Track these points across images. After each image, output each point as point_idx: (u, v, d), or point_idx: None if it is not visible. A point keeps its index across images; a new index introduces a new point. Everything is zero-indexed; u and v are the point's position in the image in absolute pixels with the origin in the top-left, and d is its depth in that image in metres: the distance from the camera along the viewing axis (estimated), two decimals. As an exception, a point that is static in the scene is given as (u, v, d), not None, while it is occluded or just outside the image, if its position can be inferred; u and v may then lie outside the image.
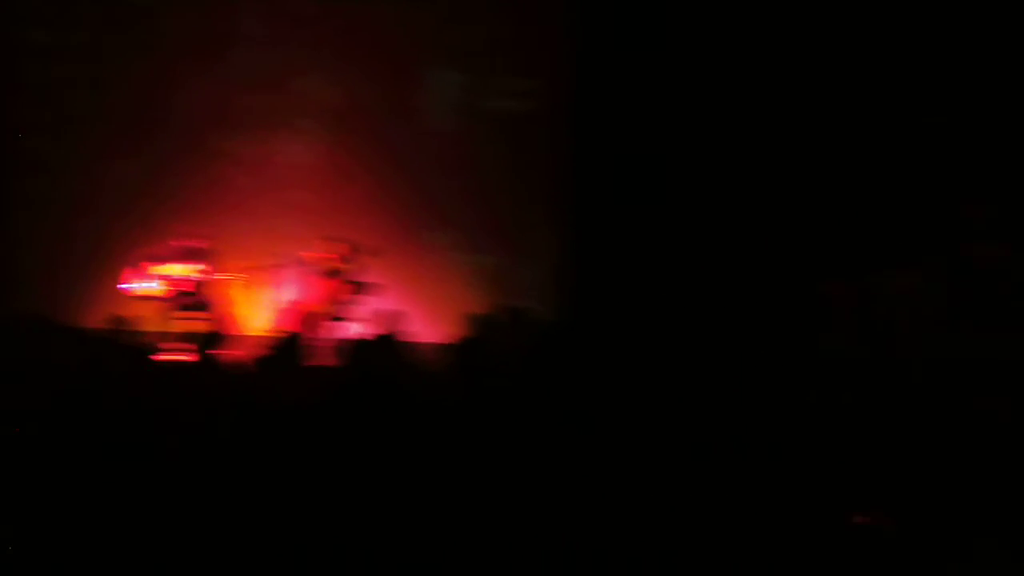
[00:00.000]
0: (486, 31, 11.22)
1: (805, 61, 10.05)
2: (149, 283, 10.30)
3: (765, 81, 10.20)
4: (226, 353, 7.63)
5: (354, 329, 9.94)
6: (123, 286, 10.33)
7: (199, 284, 10.40)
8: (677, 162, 10.42)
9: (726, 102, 10.26)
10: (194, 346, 7.31)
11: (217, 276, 10.49)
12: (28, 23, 11.23)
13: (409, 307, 9.68)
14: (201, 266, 10.41)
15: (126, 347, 7.63)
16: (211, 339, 7.60)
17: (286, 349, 6.92)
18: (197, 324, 9.83)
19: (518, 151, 11.19)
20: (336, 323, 10.06)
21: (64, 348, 7.50)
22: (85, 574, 4.25)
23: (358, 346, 7.37)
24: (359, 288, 10.24)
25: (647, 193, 10.45)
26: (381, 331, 8.01)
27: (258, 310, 10.71)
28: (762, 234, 10.13)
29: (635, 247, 10.42)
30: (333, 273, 10.23)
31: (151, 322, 10.18)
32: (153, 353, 7.25)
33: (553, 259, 11.07)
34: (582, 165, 10.83)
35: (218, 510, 4.49)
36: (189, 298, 10.32)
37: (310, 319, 9.76)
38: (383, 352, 7.01)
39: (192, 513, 4.45)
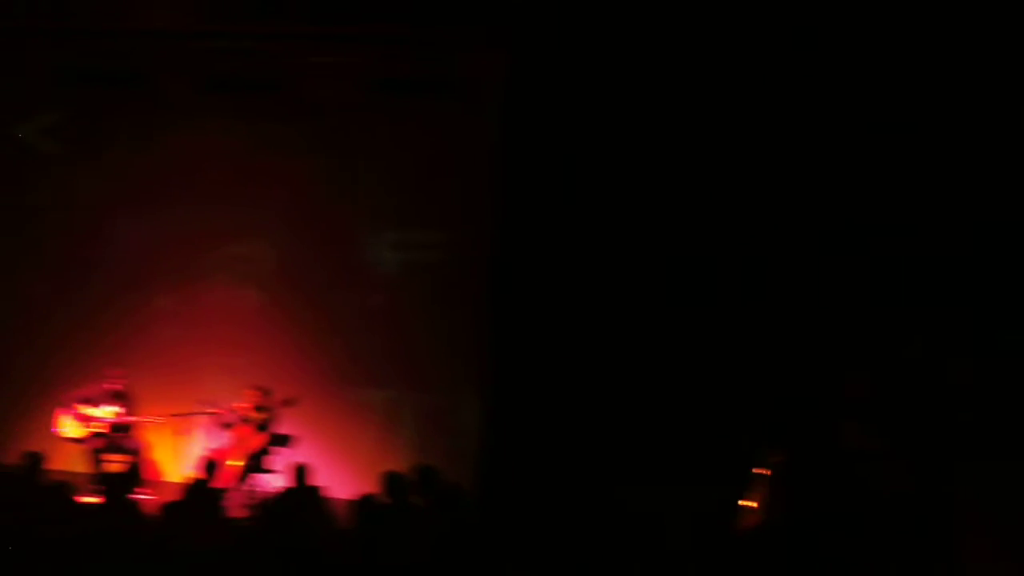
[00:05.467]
0: (414, 188, 11.56)
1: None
2: (76, 423, 10.45)
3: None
4: (142, 497, 7.78)
5: (270, 480, 10.10)
6: (54, 425, 10.47)
7: (120, 427, 10.55)
8: (596, 321, 10.47)
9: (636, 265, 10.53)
10: (111, 488, 7.44)
11: (138, 420, 10.65)
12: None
13: (325, 460, 9.82)
14: (123, 409, 10.59)
15: (42, 484, 7.77)
16: (128, 481, 7.74)
17: (200, 497, 7.08)
18: (116, 466, 9.96)
19: (443, 306, 11.46)
20: (252, 474, 10.23)
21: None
22: None
23: (271, 498, 7.58)
24: (276, 439, 10.43)
25: (568, 352, 10.49)
26: (295, 484, 8.22)
27: (176, 457, 10.84)
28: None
29: (551, 417, 10.52)
30: (251, 423, 10.42)
31: (75, 462, 10.32)
32: (71, 492, 7.37)
33: (473, 424, 11.20)
34: (502, 323, 10.90)
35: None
36: (110, 440, 10.45)
37: (226, 468, 9.91)
38: (295, 506, 7.21)
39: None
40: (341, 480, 9.15)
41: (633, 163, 10.46)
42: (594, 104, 10.45)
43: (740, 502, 7.60)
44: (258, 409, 10.44)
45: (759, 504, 7.58)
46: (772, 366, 9.76)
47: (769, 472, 7.71)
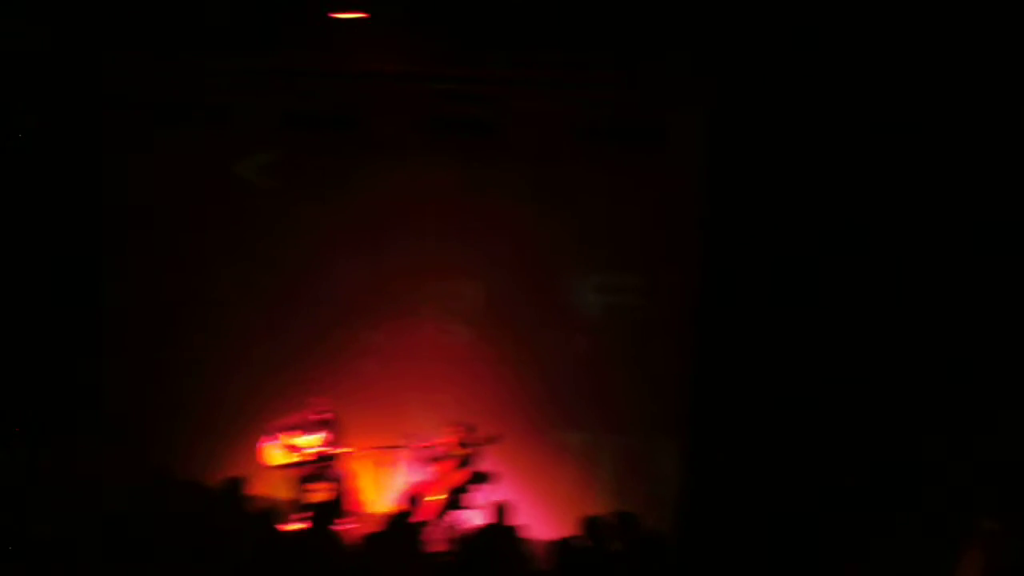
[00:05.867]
0: (619, 231, 11.51)
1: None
2: (281, 451, 10.73)
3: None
4: (344, 527, 7.91)
5: (469, 517, 10.16)
6: (259, 452, 10.78)
7: (325, 457, 10.77)
8: (800, 366, 10.27)
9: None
10: (315, 516, 7.58)
11: (343, 451, 10.86)
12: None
13: (525, 500, 9.82)
14: (328, 439, 10.81)
15: (245, 510, 8.00)
16: (331, 511, 7.89)
17: (401, 530, 7.16)
18: (320, 495, 10.18)
19: (643, 350, 11.39)
20: (453, 509, 10.30)
21: (186, 502, 7.90)
22: None
23: (470, 534, 7.60)
24: (478, 476, 10.49)
25: (770, 399, 10.33)
26: (494, 521, 8.24)
27: (379, 488, 11.02)
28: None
29: (752, 465, 10.32)
30: (453, 459, 10.51)
31: (278, 489, 10.59)
32: (275, 519, 7.54)
33: (672, 470, 11.07)
34: (702, 367, 10.81)
35: None
36: (314, 469, 10.69)
37: (427, 503, 10.02)
38: (494, 543, 7.21)
39: None
40: (539, 520, 9.12)
41: (841, 202, 10.21)
42: (795, 149, 10.27)
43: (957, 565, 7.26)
44: (461, 445, 10.52)
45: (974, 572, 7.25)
46: (990, 431, 9.35)
47: (985, 541, 7.35)
